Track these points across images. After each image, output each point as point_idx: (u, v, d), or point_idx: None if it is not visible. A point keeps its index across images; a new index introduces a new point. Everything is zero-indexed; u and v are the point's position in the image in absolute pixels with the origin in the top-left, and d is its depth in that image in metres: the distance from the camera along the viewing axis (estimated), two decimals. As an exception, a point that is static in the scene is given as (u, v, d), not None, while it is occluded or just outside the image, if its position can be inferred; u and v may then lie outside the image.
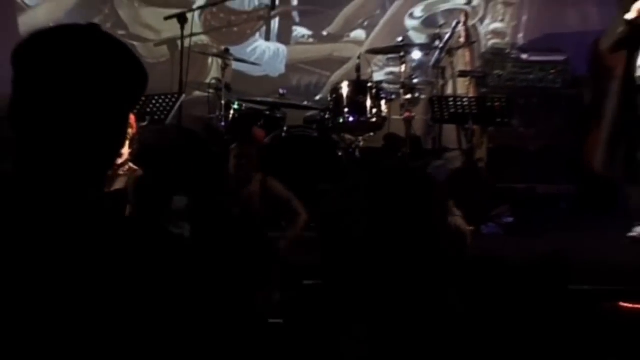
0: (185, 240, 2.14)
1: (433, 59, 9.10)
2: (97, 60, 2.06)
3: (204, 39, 9.71)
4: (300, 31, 10.36)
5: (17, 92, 2.07)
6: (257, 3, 9.65)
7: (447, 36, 9.14)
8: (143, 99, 7.96)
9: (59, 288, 1.93)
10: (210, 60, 9.74)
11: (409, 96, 8.89)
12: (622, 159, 7.30)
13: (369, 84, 8.82)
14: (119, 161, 6.50)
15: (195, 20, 8.87)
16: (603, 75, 7.62)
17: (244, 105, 8.49)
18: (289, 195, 7.22)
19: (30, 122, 2.05)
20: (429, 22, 10.26)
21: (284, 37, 10.34)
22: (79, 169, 2.06)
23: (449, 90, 9.17)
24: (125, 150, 6.48)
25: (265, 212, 7.09)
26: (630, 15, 7.14)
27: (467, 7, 10.03)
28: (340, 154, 8.52)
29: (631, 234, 7.41)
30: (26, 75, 2.07)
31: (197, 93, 9.37)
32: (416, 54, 9.43)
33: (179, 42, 8.40)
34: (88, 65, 2.04)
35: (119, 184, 6.40)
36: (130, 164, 6.53)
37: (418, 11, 10.33)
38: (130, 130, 6.61)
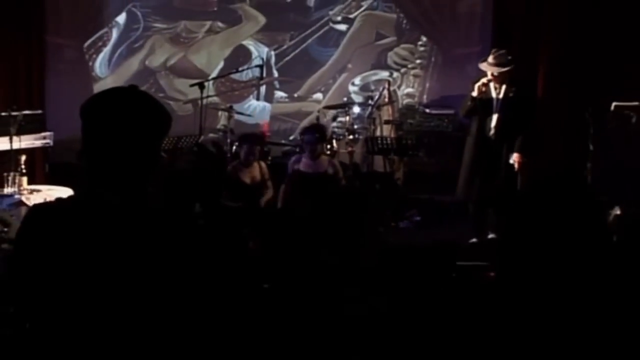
0: (197, 224, 2.15)
1: (367, 112, 9.19)
2: (137, 109, 2.12)
3: (216, 99, 9.56)
4: (279, 94, 10.32)
5: (85, 135, 2.12)
6: (250, 75, 9.62)
7: (376, 97, 9.20)
8: (175, 138, 7.96)
9: (123, 251, 2.01)
10: (220, 113, 9.58)
11: (351, 137, 8.91)
12: (477, 190, 7.29)
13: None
14: None
15: (210, 87, 8.83)
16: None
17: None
18: (269, 174, 7.74)
19: (94, 154, 2.11)
20: (364, 87, 10.22)
21: (269, 97, 10.27)
22: (129, 181, 2.10)
23: (378, 133, 9.12)
24: None
25: (260, 178, 7.67)
26: (473, 93, 7.19)
27: (389, 78, 9.98)
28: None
29: (470, 241, 7.39)
30: (90, 123, 2.13)
31: (211, 135, 9.27)
32: (356, 109, 9.43)
33: (199, 102, 8.30)
34: (131, 113, 2.10)
35: None
36: None
37: (357, 80, 10.29)
38: None
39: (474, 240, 7.36)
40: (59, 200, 2.16)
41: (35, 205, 2.17)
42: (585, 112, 7.84)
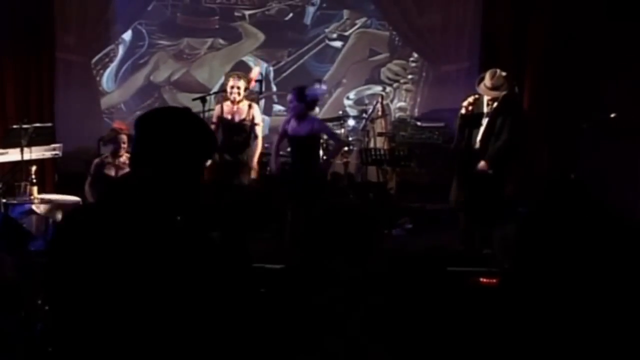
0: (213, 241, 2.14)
1: (361, 125, 9.19)
2: (188, 130, 2.14)
3: (217, 112, 9.58)
4: (277, 107, 10.36)
5: (136, 145, 2.15)
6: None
7: (370, 110, 9.20)
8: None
9: (146, 261, 1.99)
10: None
11: (346, 148, 8.90)
12: (465, 200, 7.21)
13: (322, 140, 8.82)
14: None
15: (211, 101, 8.83)
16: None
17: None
18: (260, 117, 7.78)
19: (146, 163, 2.11)
20: (358, 101, 10.28)
21: (268, 111, 10.28)
22: (169, 195, 2.10)
23: (372, 145, 9.11)
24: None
25: (246, 117, 7.63)
26: (462, 111, 7.14)
27: (382, 92, 10.04)
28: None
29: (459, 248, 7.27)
30: (143, 135, 2.14)
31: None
32: (351, 122, 9.42)
33: (201, 115, 8.29)
34: (182, 132, 2.13)
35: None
36: None
37: (352, 95, 10.36)
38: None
39: (463, 247, 7.31)
40: (93, 204, 2.18)
41: (72, 209, 2.18)
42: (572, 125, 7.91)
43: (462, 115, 7.12)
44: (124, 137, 7.70)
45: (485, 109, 7.09)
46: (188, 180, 2.14)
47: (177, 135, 2.11)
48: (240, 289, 2.12)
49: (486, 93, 7.01)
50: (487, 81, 7.01)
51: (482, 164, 7.03)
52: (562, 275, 2.17)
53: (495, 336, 2.25)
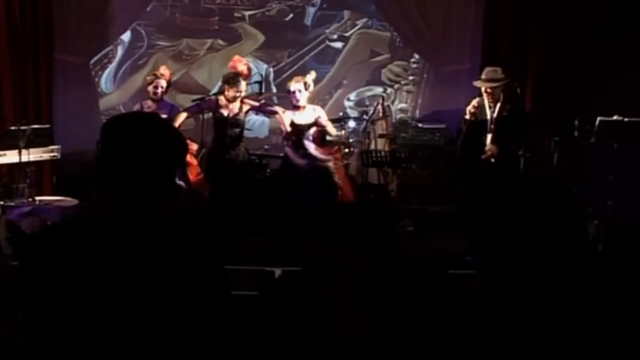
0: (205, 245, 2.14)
1: (362, 126, 9.18)
2: (157, 136, 2.12)
3: (216, 114, 9.60)
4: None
5: (103, 151, 2.12)
6: (250, 91, 9.61)
7: (371, 112, 9.21)
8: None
9: (128, 272, 1.98)
10: (220, 127, 9.60)
11: (346, 150, 8.90)
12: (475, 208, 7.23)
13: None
14: None
15: (211, 102, 8.85)
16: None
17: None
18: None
19: (111, 171, 2.10)
20: (359, 103, 10.26)
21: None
22: (140, 202, 2.08)
23: (373, 146, 9.11)
24: None
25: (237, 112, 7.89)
26: (466, 116, 7.20)
27: (383, 94, 10.01)
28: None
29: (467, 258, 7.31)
30: (110, 142, 2.12)
31: (212, 148, 9.27)
32: (352, 123, 9.38)
33: (201, 116, 8.34)
34: (150, 139, 2.10)
35: None
36: None
37: (352, 96, 10.35)
38: None
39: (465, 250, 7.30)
40: (66, 221, 2.17)
41: (43, 229, 2.18)
42: (574, 126, 7.95)
43: (467, 121, 7.18)
44: (162, 82, 8.18)
45: (488, 112, 7.17)
46: (159, 186, 2.12)
47: (147, 142, 2.10)
48: (214, 290, 2.12)
49: (482, 85, 7.19)
50: (483, 75, 7.30)
51: (493, 147, 7.16)
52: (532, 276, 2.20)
53: (488, 338, 2.27)
